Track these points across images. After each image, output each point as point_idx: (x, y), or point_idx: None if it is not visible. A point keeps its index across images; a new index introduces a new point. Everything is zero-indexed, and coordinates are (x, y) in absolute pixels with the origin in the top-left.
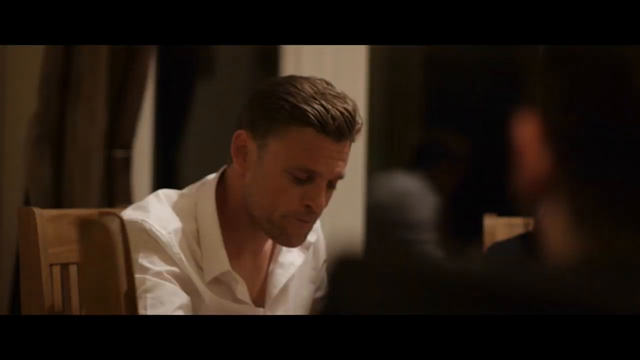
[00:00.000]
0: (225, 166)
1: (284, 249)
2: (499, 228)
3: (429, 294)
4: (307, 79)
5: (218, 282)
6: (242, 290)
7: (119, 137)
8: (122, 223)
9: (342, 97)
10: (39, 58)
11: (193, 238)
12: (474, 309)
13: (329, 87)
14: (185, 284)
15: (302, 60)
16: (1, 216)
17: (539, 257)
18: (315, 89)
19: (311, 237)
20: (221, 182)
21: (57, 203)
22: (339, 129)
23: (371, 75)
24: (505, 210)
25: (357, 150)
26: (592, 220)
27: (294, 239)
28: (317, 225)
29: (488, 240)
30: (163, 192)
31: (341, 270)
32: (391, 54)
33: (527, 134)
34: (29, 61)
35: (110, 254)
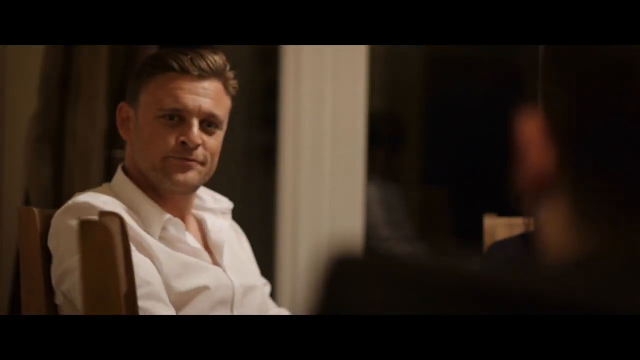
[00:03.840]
0: (121, 164)
1: (207, 216)
2: (499, 228)
3: (427, 294)
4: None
5: (166, 240)
6: (190, 238)
7: (119, 137)
8: (122, 223)
9: (208, 50)
10: (39, 58)
11: (126, 210)
12: (472, 309)
13: (197, 48)
14: (138, 246)
15: (302, 60)
16: (1, 216)
17: (539, 257)
18: (179, 48)
19: (228, 205)
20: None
21: (57, 203)
22: (198, 66)
23: (371, 75)
24: (505, 210)
25: (357, 150)
26: (594, 217)
27: (177, 177)
28: (229, 205)
29: (488, 240)
30: (76, 195)
31: (340, 270)
32: (391, 54)
33: (530, 131)
34: (29, 61)
35: (110, 254)
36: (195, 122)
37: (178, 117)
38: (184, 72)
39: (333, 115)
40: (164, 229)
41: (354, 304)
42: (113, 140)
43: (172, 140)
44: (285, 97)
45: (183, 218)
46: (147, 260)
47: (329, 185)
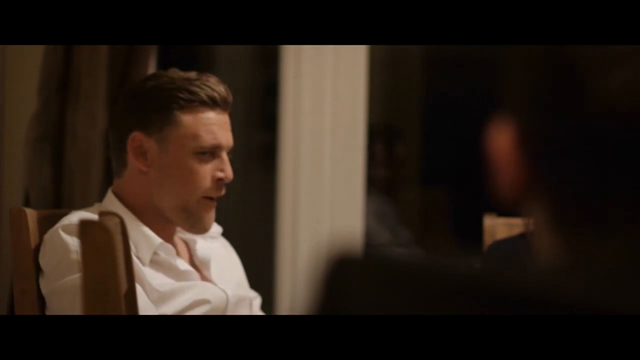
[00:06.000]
0: (110, 188)
1: (198, 242)
2: (499, 228)
3: (427, 294)
4: (168, 70)
5: (157, 264)
6: (180, 261)
7: None
8: (122, 223)
9: (205, 74)
10: (39, 58)
11: None
12: (471, 309)
13: (196, 73)
14: None
15: (302, 60)
16: (1, 216)
17: (536, 257)
18: (182, 74)
19: (217, 229)
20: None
21: (57, 203)
22: (223, 99)
23: (371, 75)
24: (505, 210)
25: (358, 150)
26: (571, 224)
27: (207, 222)
28: (218, 229)
29: (488, 240)
30: (71, 214)
31: (340, 271)
32: (391, 54)
33: (503, 141)
34: (29, 61)
35: (110, 254)
36: (227, 157)
37: (211, 153)
38: (215, 105)
39: (333, 115)
40: (155, 253)
41: (354, 304)
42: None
43: (208, 178)
44: (285, 97)
45: (171, 240)
46: (137, 286)
47: (329, 185)
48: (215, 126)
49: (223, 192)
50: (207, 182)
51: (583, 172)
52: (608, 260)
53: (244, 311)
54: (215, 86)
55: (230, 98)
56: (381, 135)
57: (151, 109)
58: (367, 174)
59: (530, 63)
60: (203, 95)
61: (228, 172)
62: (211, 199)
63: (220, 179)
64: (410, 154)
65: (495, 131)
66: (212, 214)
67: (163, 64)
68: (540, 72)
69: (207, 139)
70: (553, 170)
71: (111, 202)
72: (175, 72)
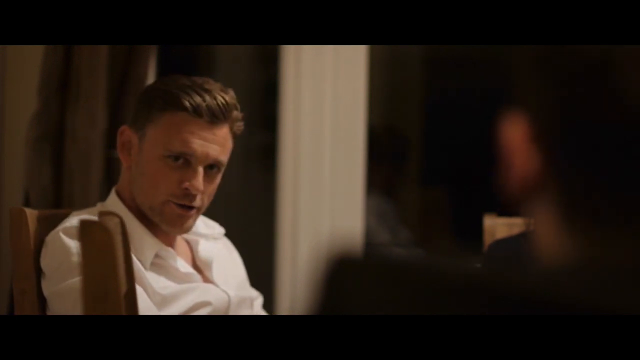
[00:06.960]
0: (114, 187)
1: (200, 243)
2: (499, 228)
3: (427, 294)
4: (189, 76)
5: (158, 267)
6: (182, 263)
7: None
8: (122, 223)
9: (220, 88)
10: (39, 58)
11: None
12: (472, 308)
13: (209, 81)
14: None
15: (302, 60)
16: (1, 216)
17: (536, 257)
18: (191, 81)
19: (220, 230)
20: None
21: (57, 203)
22: (212, 111)
23: (371, 75)
24: (505, 210)
25: (358, 150)
26: (580, 221)
27: (175, 227)
28: (221, 230)
29: (488, 240)
30: (72, 216)
31: (340, 270)
32: (391, 54)
33: (515, 135)
34: (29, 61)
35: (110, 254)
36: (201, 170)
37: (184, 160)
38: (197, 115)
39: (333, 115)
40: (156, 256)
41: (354, 304)
42: (113, 140)
43: (174, 184)
44: (285, 97)
45: (173, 241)
46: (140, 288)
47: (329, 185)
48: (190, 135)
49: (195, 202)
50: (171, 187)
51: (597, 170)
52: (615, 258)
53: (245, 311)
54: (210, 98)
55: (229, 113)
56: (381, 136)
57: (141, 105)
58: (367, 174)
59: (546, 57)
60: (187, 103)
61: (194, 184)
62: (181, 206)
63: (186, 188)
64: (410, 154)
65: (508, 125)
66: (186, 220)
67: (163, 64)
68: (555, 66)
69: (176, 145)
70: (566, 166)
71: (113, 202)
72: (187, 77)
